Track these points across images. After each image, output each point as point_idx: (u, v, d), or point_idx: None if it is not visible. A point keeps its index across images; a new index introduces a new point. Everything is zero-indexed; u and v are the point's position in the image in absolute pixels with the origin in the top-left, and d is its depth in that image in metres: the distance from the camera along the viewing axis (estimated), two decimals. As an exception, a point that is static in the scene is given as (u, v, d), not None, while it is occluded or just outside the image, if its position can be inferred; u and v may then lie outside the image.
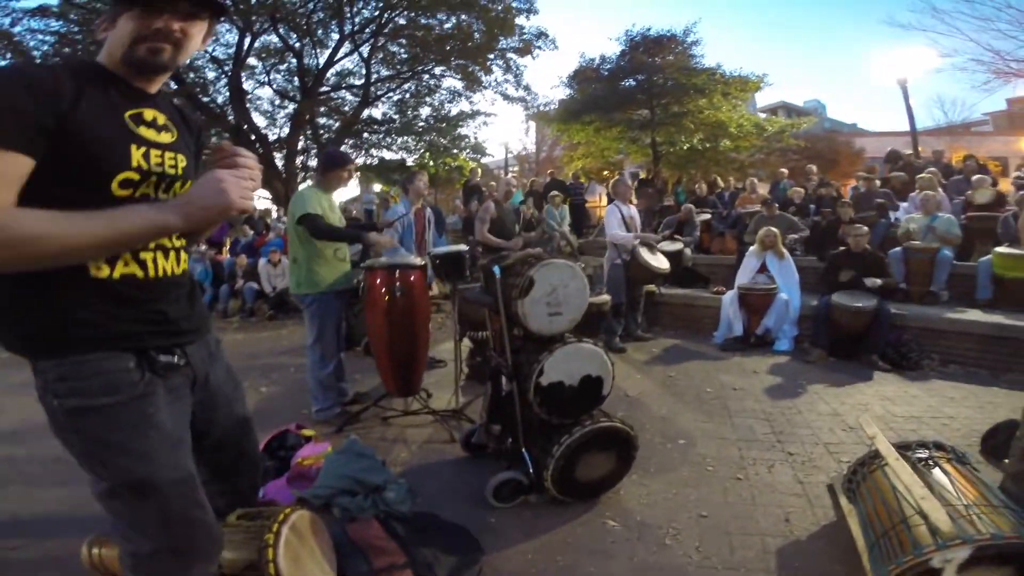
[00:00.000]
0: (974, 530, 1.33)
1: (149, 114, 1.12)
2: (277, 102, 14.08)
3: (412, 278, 3.11)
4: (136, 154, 1.06)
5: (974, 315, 4.73)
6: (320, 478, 2.33)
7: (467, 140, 15.54)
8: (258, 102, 14.08)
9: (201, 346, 1.24)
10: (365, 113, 14.12)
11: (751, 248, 5.65)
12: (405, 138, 15.37)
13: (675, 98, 12.72)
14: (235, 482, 1.43)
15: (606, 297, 4.35)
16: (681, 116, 12.85)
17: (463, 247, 3.45)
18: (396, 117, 14.84)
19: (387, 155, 15.72)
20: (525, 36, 13.19)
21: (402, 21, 12.68)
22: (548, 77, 63.35)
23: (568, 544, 1.97)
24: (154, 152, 1.10)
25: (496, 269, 2.27)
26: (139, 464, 1.03)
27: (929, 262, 5.41)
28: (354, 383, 4.02)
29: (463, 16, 12.57)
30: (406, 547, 2.02)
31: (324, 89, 13.59)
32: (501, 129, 46.51)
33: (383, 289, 3.06)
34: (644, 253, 5.03)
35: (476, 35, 12.70)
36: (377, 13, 12.31)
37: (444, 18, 12.74)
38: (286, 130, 13.57)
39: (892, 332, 4.57)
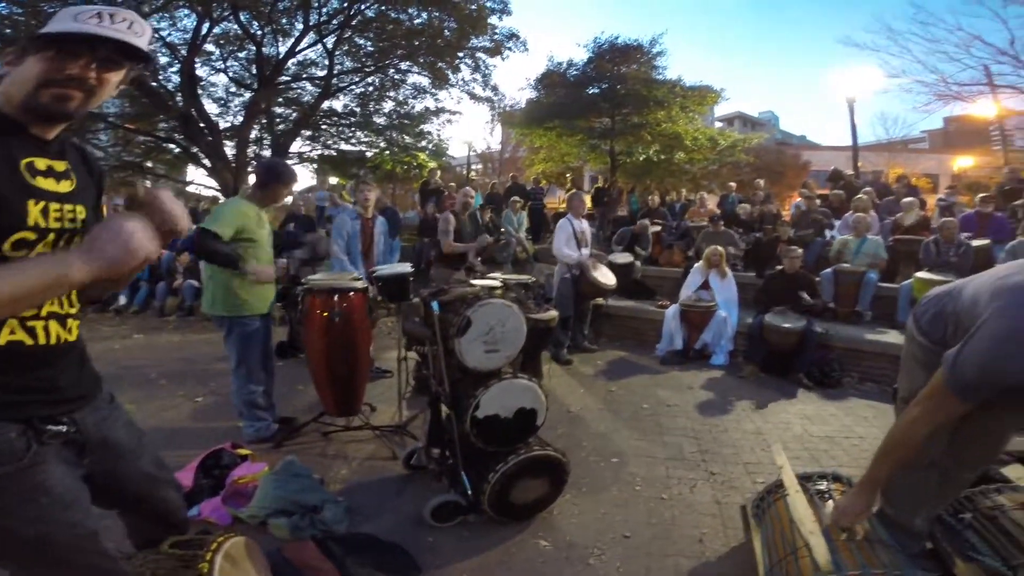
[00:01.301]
0: (850, 565, 1.50)
1: (43, 163, 1.02)
2: (232, 90, 13.63)
3: (352, 301, 3.03)
4: (34, 211, 0.98)
5: (892, 336, 5.11)
6: (256, 498, 2.35)
7: (430, 137, 15.48)
8: (212, 89, 13.57)
9: (91, 411, 1.18)
10: (325, 105, 13.86)
11: (696, 264, 5.92)
12: (366, 132, 15.20)
13: (635, 109, 12.92)
14: (164, 521, 1.45)
15: (554, 313, 4.48)
16: (640, 127, 13.07)
17: (408, 268, 3.40)
18: (358, 110, 14.60)
19: (346, 147, 15.53)
20: (496, 36, 13.17)
21: (371, 14, 12.47)
22: (516, 78, 63.62)
23: (502, 563, 2.07)
24: (53, 206, 1.01)
25: (435, 305, 2.33)
26: (30, 527, 1.00)
27: (856, 284, 5.80)
28: (296, 394, 4.00)
29: (435, 12, 12.44)
30: (342, 567, 2.08)
31: (283, 79, 13.27)
32: (466, 127, 46.07)
33: (321, 312, 2.98)
34: (592, 270, 5.19)
35: (446, 32, 12.61)
36: (346, 4, 12.11)
37: (415, 13, 12.58)
38: (239, 118, 13.16)
39: (818, 352, 4.89)
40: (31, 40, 0.99)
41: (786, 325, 4.90)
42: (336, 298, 3.00)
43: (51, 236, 1.01)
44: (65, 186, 1.06)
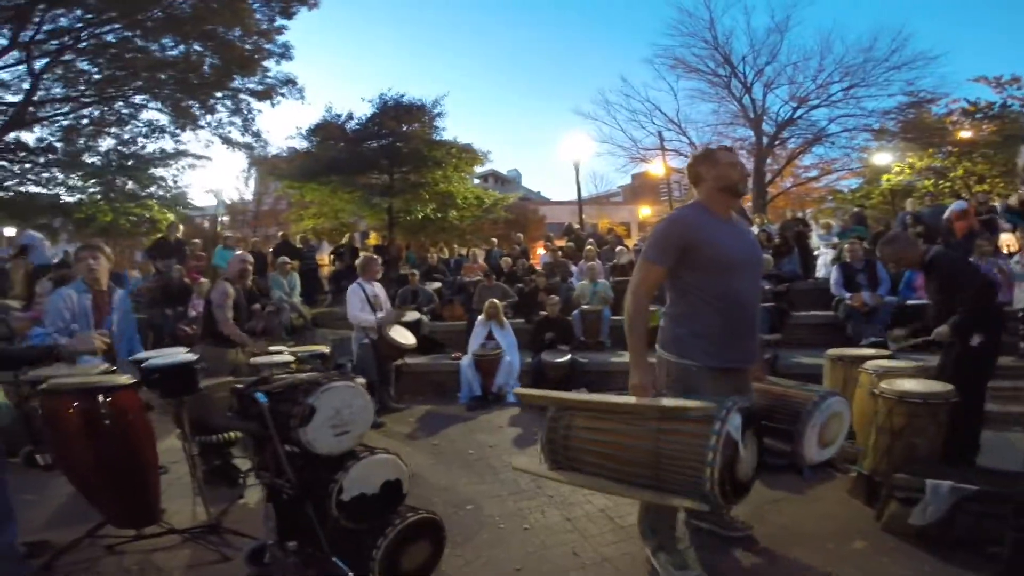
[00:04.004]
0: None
1: None
2: None
3: (122, 399, 2.64)
4: None
5: (627, 356, 6.67)
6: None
7: (163, 183, 13.36)
8: None
9: None
10: (11, 136, 11.04)
11: (480, 317, 6.66)
12: (69, 174, 12.41)
13: (414, 168, 13.20)
14: None
15: (362, 380, 4.53)
16: (419, 186, 13.40)
17: (192, 356, 2.98)
18: (59, 146, 11.93)
19: (36, 190, 12.35)
20: (269, 80, 12.36)
21: (111, 39, 10.63)
22: (286, 126, 58.16)
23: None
24: None
25: (261, 397, 2.29)
26: None
27: (597, 320, 7.37)
28: (29, 506, 3.22)
29: (195, 46, 11.13)
30: None
31: None
32: (213, 174, 40.09)
33: (83, 419, 2.52)
34: (391, 331, 5.43)
35: (206, 68, 11.37)
36: (80, 25, 10.18)
37: (171, 44, 11.09)
38: None
39: (584, 377, 6.12)
40: None
41: (557, 360, 6.06)
42: (101, 399, 2.57)
43: None
44: None
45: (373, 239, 15.35)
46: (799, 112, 17.81)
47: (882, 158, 16.64)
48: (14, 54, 10.30)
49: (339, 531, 2.33)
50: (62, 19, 10.24)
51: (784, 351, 5.93)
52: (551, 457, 2.48)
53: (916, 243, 3.74)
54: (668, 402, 2.12)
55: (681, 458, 2.05)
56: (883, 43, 16.37)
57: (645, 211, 28.18)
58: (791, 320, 6.83)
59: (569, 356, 6.19)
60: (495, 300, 6.76)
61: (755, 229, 10.23)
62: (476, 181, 15.75)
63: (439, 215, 14.52)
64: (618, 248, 10.55)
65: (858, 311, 6.20)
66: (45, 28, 10.24)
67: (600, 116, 19.33)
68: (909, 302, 6.13)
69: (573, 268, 9.73)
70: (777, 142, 18.11)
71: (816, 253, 9.70)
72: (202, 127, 12.69)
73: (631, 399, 2.24)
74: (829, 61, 17.05)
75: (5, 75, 10.79)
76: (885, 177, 16.56)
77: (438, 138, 13.58)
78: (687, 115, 19.95)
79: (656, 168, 19.48)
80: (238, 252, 5.53)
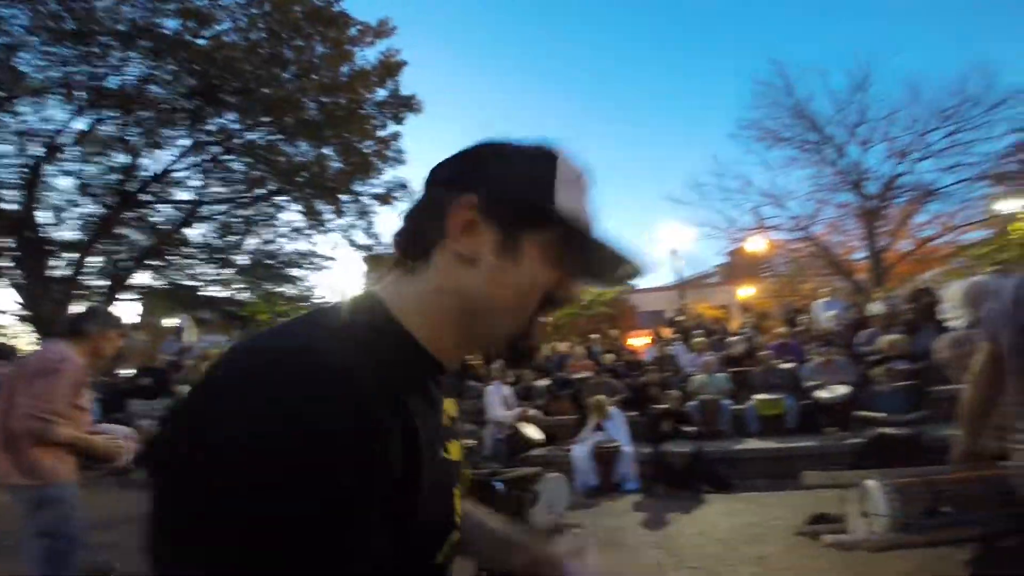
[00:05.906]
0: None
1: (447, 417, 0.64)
2: (73, 198, 11.26)
3: None
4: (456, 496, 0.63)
5: (750, 443, 6.59)
6: None
7: (298, 282, 14.30)
8: (45, 194, 10.89)
9: None
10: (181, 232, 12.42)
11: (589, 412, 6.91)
12: (222, 270, 13.41)
13: None
14: None
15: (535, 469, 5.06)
16: None
17: None
18: (217, 243, 13.09)
19: (191, 283, 13.55)
20: (387, 183, 13.10)
21: (262, 141, 11.85)
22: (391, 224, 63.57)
23: None
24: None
25: (498, 485, 2.93)
26: None
27: (716, 410, 7.36)
28: None
29: (324, 150, 11.98)
30: None
31: (145, 198, 11.71)
32: (336, 273, 42.08)
33: None
34: (523, 427, 5.99)
35: (331, 171, 12.23)
36: (237, 127, 11.48)
37: (308, 148, 12.14)
38: (72, 233, 11.18)
39: (709, 465, 6.08)
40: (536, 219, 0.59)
41: (682, 449, 6.14)
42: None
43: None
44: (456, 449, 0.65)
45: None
46: (901, 167, 16.85)
47: (1007, 205, 14.94)
48: (189, 156, 11.67)
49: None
50: (223, 119, 11.50)
51: (930, 426, 5.71)
52: None
53: None
54: None
55: None
56: (973, 81, 15.37)
57: (747, 291, 26.46)
58: (931, 395, 6.45)
59: (690, 446, 6.24)
60: (598, 397, 7.03)
61: (876, 305, 9.71)
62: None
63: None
64: (731, 339, 10.39)
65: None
66: (210, 129, 11.48)
67: (692, 200, 18.93)
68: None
69: (681, 360, 9.72)
70: (884, 203, 17.01)
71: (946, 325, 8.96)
72: (332, 230, 13.35)
73: None
74: (920, 109, 16.09)
75: (182, 174, 12.07)
76: (1012, 227, 14.75)
77: None
78: (783, 186, 18.94)
79: (755, 245, 18.76)
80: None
